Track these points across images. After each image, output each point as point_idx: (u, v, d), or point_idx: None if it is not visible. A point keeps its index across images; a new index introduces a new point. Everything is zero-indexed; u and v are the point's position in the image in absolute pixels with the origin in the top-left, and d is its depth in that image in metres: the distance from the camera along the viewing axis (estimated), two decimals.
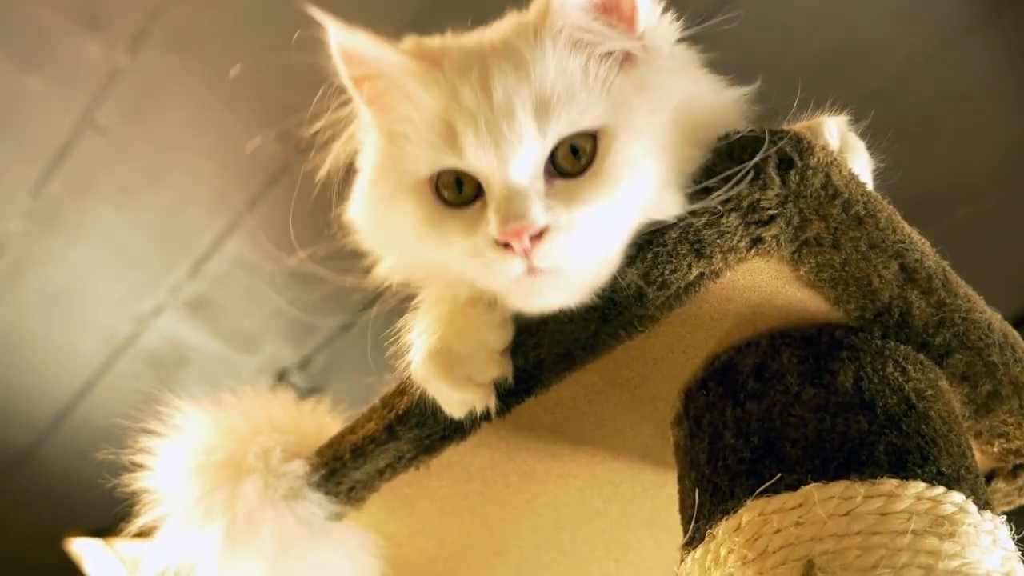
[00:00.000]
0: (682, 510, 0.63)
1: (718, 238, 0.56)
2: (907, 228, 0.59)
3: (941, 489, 0.54)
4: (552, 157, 0.57)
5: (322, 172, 0.66)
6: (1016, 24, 1.74)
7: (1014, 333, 0.65)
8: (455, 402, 0.63)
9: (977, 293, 0.63)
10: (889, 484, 0.53)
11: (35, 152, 2.02)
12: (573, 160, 0.57)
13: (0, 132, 1.99)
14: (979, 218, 2.02)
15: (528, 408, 0.67)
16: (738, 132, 0.56)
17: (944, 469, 0.55)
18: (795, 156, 0.54)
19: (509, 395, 0.65)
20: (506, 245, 0.55)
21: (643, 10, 0.59)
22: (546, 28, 0.58)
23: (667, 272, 0.58)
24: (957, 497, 0.54)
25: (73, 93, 1.91)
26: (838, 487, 0.53)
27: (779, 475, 0.55)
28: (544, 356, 0.63)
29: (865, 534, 0.51)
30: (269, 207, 2.11)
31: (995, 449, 0.69)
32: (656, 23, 0.61)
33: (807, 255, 0.57)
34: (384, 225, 0.65)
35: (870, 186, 0.61)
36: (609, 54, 0.59)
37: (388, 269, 0.67)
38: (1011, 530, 0.56)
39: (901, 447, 0.55)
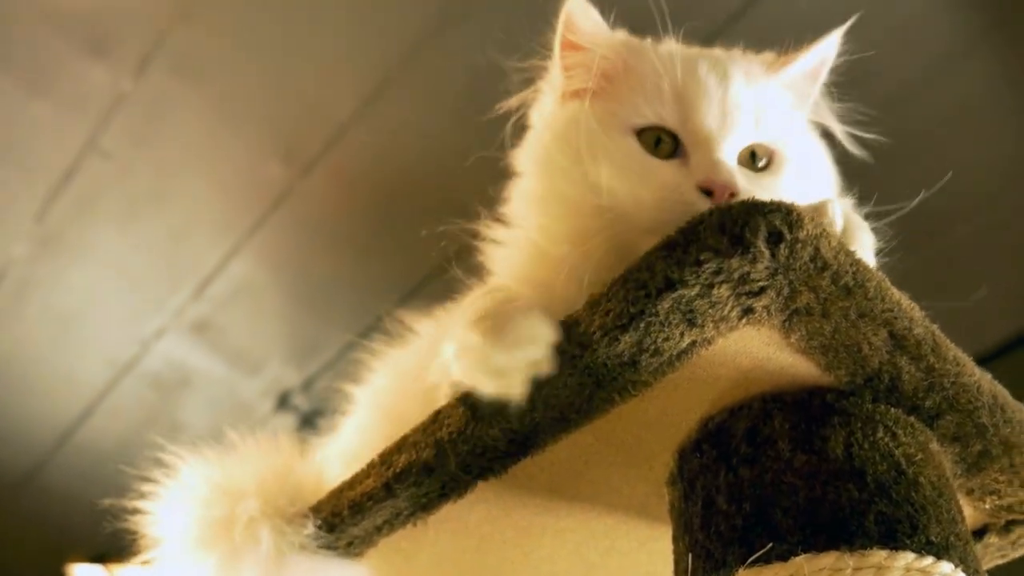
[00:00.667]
0: (676, 572, 0.63)
1: (709, 308, 0.57)
2: (896, 295, 0.60)
3: (930, 559, 0.54)
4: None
5: (510, 104, 0.78)
6: (1008, 44, 1.75)
7: (1004, 393, 0.65)
8: (493, 368, 0.61)
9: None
10: (879, 555, 0.54)
11: (40, 176, 2.03)
12: (752, 163, 0.70)
13: (5, 156, 2.00)
14: (978, 236, 2.02)
15: (524, 467, 0.68)
16: (729, 204, 0.57)
17: (933, 538, 0.56)
18: (784, 229, 0.55)
19: (506, 456, 0.66)
20: (708, 192, 0.65)
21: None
22: (783, 71, 0.74)
23: (660, 340, 0.59)
24: (946, 567, 0.54)
25: (78, 118, 1.92)
26: (828, 559, 0.54)
27: (771, 544, 0.56)
28: (540, 419, 0.64)
29: None
30: (272, 230, 2.12)
31: (987, 506, 0.69)
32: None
33: (797, 324, 0.58)
34: (570, 156, 0.73)
35: (874, 266, 0.62)
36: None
37: (523, 190, 0.77)
38: None
39: (891, 516, 0.56)
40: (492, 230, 0.78)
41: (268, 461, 0.83)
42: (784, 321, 0.58)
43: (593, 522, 0.74)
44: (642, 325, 0.58)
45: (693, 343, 0.59)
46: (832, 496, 0.57)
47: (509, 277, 0.74)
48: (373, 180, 2.25)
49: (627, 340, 0.59)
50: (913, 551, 0.54)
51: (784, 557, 0.55)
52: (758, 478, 0.60)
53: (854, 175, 0.80)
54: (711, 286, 0.56)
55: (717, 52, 0.75)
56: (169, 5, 1.74)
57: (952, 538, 0.57)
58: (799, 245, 0.55)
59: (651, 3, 0.74)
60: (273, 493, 0.78)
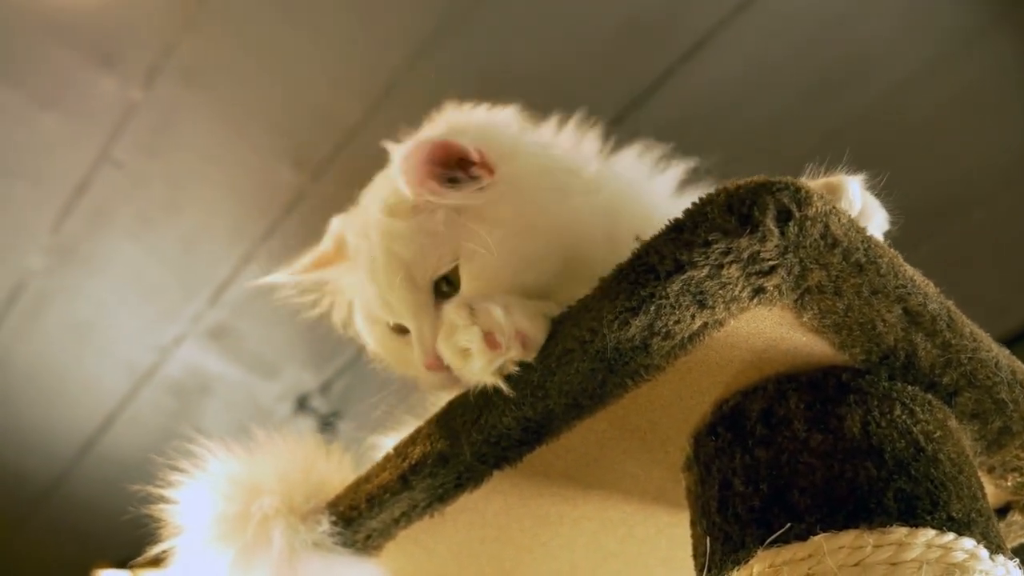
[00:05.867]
0: (695, 556, 0.63)
1: (720, 289, 0.57)
2: (910, 271, 0.59)
3: (951, 536, 0.54)
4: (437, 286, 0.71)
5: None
6: (1017, 30, 1.74)
7: (1023, 369, 0.64)
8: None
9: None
10: (899, 533, 0.53)
11: (54, 188, 2.05)
12: (449, 287, 0.71)
13: (19, 170, 2.02)
14: (995, 219, 2.01)
15: (539, 455, 0.67)
16: (737, 183, 0.57)
17: (954, 514, 0.55)
18: (793, 207, 0.55)
19: (520, 444, 0.66)
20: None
21: (496, 153, 0.72)
22: (401, 211, 0.71)
23: (671, 323, 0.58)
24: (968, 543, 0.54)
25: (89, 129, 1.94)
26: (848, 537, 0.53)
27: (789, 524, 0.55)
28: (553, 406, 0.63)
29: None
30: (286, 235, 2.13)
31: (1009, 483, 0.68)
32: (510, 152, 0.73)
33: (809, 302, 0.58)
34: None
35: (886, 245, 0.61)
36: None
37: None
38: None
39: (911, 493, 0.55)
40: None
41: (291, 458, 0.83)
42: (796, 300, 0.57)
43: (610, 510, 0.74)
44: (652, 308, 0.58)
45: (705, 325, 0.59)
46: (850, 474, 0.56)
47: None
48: None
49: (637, 324, 0.58)
50: (934, 527, 0.54)
51: (803, 537, 0.54)
52: (774, 459, 0.59)
53: (862, 162, 0.77)
54: (721, 267, 0.56)
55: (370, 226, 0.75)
56: (175, 15, 1.75)
57: (973, 514, 0.56)
58: (808, 222, 0.55)
59: None
60: (291, 490, 0.78)
